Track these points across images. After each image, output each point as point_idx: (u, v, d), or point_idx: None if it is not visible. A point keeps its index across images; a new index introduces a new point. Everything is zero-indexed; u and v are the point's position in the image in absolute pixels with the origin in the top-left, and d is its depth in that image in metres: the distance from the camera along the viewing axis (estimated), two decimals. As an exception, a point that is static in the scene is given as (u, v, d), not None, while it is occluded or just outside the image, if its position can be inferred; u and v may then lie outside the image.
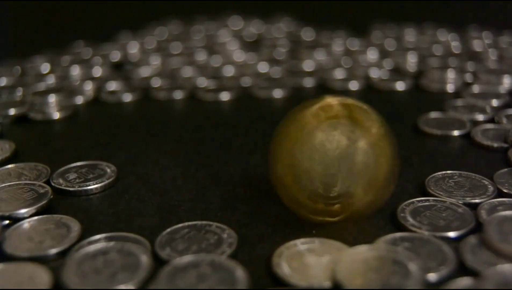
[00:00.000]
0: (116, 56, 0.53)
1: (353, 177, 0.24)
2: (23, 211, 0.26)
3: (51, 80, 0.46)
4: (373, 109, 0.24)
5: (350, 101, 0.24)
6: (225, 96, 0.42)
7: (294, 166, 0.23)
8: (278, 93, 0.43)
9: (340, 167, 0.23)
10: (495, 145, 0.32)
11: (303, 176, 0.23)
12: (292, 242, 0.23)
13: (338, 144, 0.23)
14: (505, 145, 0.32)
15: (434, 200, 0.26)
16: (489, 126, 0.35)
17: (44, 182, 0.29)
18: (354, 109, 0.24)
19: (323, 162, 0.23)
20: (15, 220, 0.25)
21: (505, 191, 0.27)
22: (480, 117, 0.36)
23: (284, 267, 0.22)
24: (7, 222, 0.25)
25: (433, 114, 0.37)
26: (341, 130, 0.23)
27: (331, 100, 0.24)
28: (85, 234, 0.25)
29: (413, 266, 0.21)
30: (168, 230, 0.24)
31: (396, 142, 0.24)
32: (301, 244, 0.23)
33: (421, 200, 0.26)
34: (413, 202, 0.26)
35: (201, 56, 0.52)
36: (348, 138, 0.23)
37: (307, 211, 0.24)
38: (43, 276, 0.21)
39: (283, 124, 0.24)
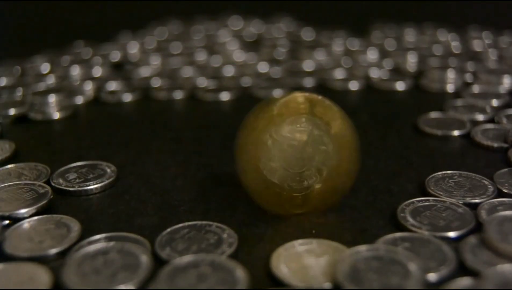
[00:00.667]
0: (116, 56, 0.53)
1: (315, 170, 0.25)
2: (23, 211, 0.26)
3: (51, 80, 0.46)
4: (334, 103, 0.25)
5: (312, 96, 0.25)
6: (225, 96, 0.42)
7: (258, 161, 0.24)
8: (278, 93, 0.43)
9: (303, 161, 0.24)
10: (495, 145, 0.32)
11: (266, 170, 0.24)
12: (290, 244, 0.23)
13: (300, 138, 0.24)
14: (505, 145, 0.32)
15: (434, 200, 0.26)
16: (489, 126, 0.35)
17: (44, 182, 0.29)
18: (317, 104, 0.25)
19: (286, 156, 0.24)
20: (15, 220, 0.25)
21: (505, 191, 0.27)
22: (480, 117, 0.36)
23: (283, 269, 0.22)
24: (7, 222, 0.25)
25: (433, 114, 0.37)
26: (303, 124, 0.24)
27: (294, 96, 0.25)
28: (85, 234, 0.25)
29: (413, 266, 0.21)
30: (168, 230, 0.24)
31: (358, 137, 0.25)
32: (299, 245, 0.23)
33: (421, 200, 0.26)
34: (413, 202, 0.26)
35: (201, 56, 0.52)
36: (310, 132, 0.24)
37: (271, 203, 0.25)
38: (43, 276, 0.21)
39: (247, 120, 0.25)
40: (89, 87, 0.44)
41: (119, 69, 0.50)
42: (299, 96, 0.25)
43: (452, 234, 0.24)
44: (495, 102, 0.39)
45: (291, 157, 0.24)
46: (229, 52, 0.53)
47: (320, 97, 0.25)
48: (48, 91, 0.43)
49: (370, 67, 0.48)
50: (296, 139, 0.24)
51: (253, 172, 0.25)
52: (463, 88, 0.43)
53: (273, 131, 0.24)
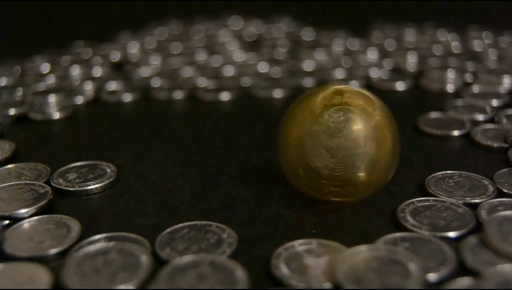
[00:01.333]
0: (116, 56, 0.53)
1: (357, 161, 0.24)
2: (23, 211, 0.26)
3: (51, 80, 0.46)
4: (375, 95, 0.26)
5: (352, 88, 0.26)
6: (225, 96, 0.42)
7: (303, 155, 0.25)
8: (278, 93, 0.43)
9: (345, 152, 0.24)
10: (495, 145, 0.32)
11: (311, 162, 0.25)
12: (290, 244, 0.23)
13: (342, 130, 0.24)
14: (505, 145, 0.32)
15: (434, 200, 0.26)
16: (489, 126, 0.35)
17: (44, 182, 0.29)
18: (357, 96, 0.25)
19: (329, 148, 0.24)
20: (15, 220, 0.25)
21: (505, 191, 0.27)
22: (480, 117, 0.36)
23: (283, 269, 0.22)
24: (7, 222, 0.25)
25: (433, 114, 0.37)
26: (345, 116, 0.24)
27: (335, 88, 0.25)
28: (85, 234, 0.25)
29: (413, 266, 0.21)
30: (168, 230, 0.24)
31: (397, 127, 0.26)
32: (299, 245, 0.23)
33: (421, 200, 0.26)
34: (413, 202, 0.26)
35: (201, 56, 0.52)
36: (352, 123, 0.24)
37: (315, 193, 0.26)
38: (43, 276, 0.21)
39: (289, 114, 0.26)
40: (89, 87, 0.44)
41: (119, 69, 0.50)
42: (337, 88, 0.25)
43: (452, 234, 0.24)
44: (495, 102, 0.39)
45: (332, 150, 0.24)
46: (229, 52, 0.53)
47: (358, 88, 0.26)
48: (48, 91, 0.43)
49: (370, 67, 0.48)
50: (337, 133, 0.24)
51: (298, 168, 0.25)
52: (463, 88, 0.43)
53: (313, 127, 0.25)
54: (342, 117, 0.24)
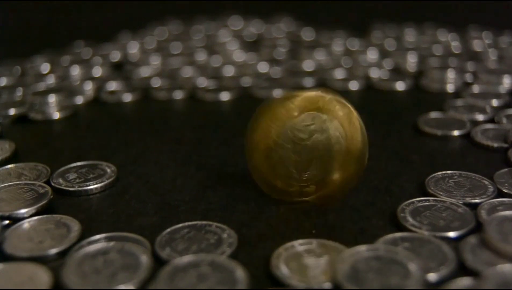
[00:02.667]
0: (116, 56, 0.53)
1: (325, 161, 0.25)
2: (23, 211, 0.26)
3: (51, 80, 0.46)
4: (340, 95, 0.26)
5: (317, 92, 0.26)
6: (225, 96, 0.42)
7: (269, 155, 0.26)
8: (278, 93, 0.43)
9: (312, 153, 0.25)
10: (495, 145, 0.32)
11: (278, 164, 0.26)
12: (290, 244, 0.23)
13: (309, 132, 0.25)
14: (505, 145, 0.32)
15: (434, 200, 0.26)
16: (489, 126, 0.35)
17: (44, 182, 0.29)
18: (322, 100, 0.26)
19: (296, 150, 0.25)
20: (15, 220, 0.25)
21: (505, 191, 0.27)
22: (480, 117, 0.36)
23: (283, 269, 0.22)
24: (7, 222, 0.25)
25: (433, 114, 0.37)
26: (311, 119, 0.25)
27: (300, 93, 0.26)
28: (85, 234, 0.25)
29: (413, 266, 0.21)
30: (168, 230, 0.24)
31: (363, 126, 0.26)
32: (299, 245, 0.23)
33: (421, 200, 0.26)
34: (413, 202, 0.26)
35: (201, 56, 0.52)
36: (318, 125, 0.25)
37: (282, 194, 0.26)
38: (43, 276, 0.21)
39: (256, 116, 0.26)
40: (89, 87, 0.44)
41: (119, 69, 0.50)
42: (302, 93, 0.26)
43: (452, 234, 0.24)
44: (495, 102, 0.39)
45: (299, 152, 0.25)
46: (229, 52, 0.53)
47: (322, 93, 0.26)
48: (48, 91, 0.43)
49: (370, 67, 0.48)
50: (303, 135, 0.25)
51: (265, 168, 0.26)
52: (463, 88, 0.43)
53: (279, 130, 0.25)
54: (307, 121, 0.25)
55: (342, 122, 0.25)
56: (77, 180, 0.29)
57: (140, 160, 0.32)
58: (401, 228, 0.24)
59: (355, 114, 0.26)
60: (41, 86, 0.45)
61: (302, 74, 0.46)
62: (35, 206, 0.26)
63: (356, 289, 0.20)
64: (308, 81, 0.45)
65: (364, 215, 0.26)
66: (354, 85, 0.44)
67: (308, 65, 0.49)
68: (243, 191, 0.28)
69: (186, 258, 0.22)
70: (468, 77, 0.45)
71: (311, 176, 0.26)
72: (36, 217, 0.25)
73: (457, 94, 0.42)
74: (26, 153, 0.33)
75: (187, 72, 0.48)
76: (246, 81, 0.45)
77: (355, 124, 0.26)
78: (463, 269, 0.22)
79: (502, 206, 0.25)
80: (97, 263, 0.22)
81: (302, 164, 0.25)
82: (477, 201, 0.26)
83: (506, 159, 0.31)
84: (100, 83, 0.45)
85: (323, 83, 0.45)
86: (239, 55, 0.52)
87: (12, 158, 0.32)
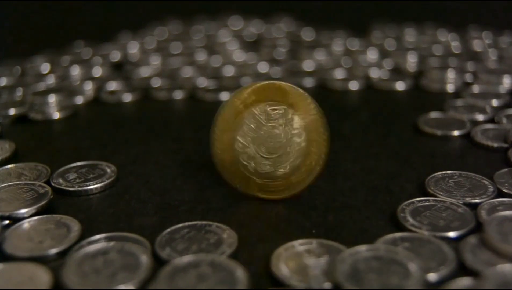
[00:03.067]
0: (116, 56, 0.53)
1: (286, 157, 0.26)
2: (23, 211, 0.26)
3: (51, 80, 0.46)
4: (309, 94, 0.26)
5: (284, 85, 0.26)
6: (225, 96, 0.42)
7: (230, 149, 0.26)
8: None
9: (274, 148, 0.26)
10: (495, 145, 0.32)
11: (239, 157, 0.26)
12: (290, 244, 0.23)
13: (271, 126, 0.26)
14: (505, 145, 0.32)
15: (434, 200, 0.26)
16: (489, 126, 0.35)
17: (44, 182, 0.29)
18: (289, 93, 0.26)
19: (257, 144, 0.26)
20: (15, 220, 0.25)
21: (505, 191, 0.27)
22: (480, 117, 0.36)
23: (283, 269, 0.22)
24: (7, 222, 0.25)
25: (433, 114, 0.37)
26: (274, 113, 0.25)
27: (263, 84, 0.26)
28: (85, 234, 0.25)
29: (413, 266, 0.21)
30: (168, 230, 0.24)
31: (326, 121, 0.26)
32: (299, 245, 0.23)
33: (421, 200, 0.26)
34: (413, 202, 0.26)
35: (201, 56, 0.52)
36: (281, 120, 0.26)
37: (245, 188, 0.27)
38: (43, 276, 0.21)
39: (218, 112, 0.26)
40: (89, 87, 0.44)
41: (119, 69, 0.50)
42: (265, 85, 0.26)
43: (452, 234, 0.24)
44: (495, 102, 0.39)
45: (259, 146, 0.26)
46: (229, 52, 0.53)
47: (291, 85, 0.26)
48: (48, 91, 0.43)
49: (370, 67, 0.48)
50: (264, 129, 0.26)
51: (227, 161, 0.26)
52: (463, 88, 0.43)
53: (239, 124, 0.26)
54: (268, 115, 0.26)
55: (307, 123, 0.26)
56: (77, 180, 0.29)
57: (140, 160, 0.32)
58: (401, 228, 0.24)
59: (322, 120, 0.26)
60: (41, 86, 0.45)
61: (302, 74, 0.46)
62: (35, 206, 0.26)
63: (356, 289, 0.20)
64: (308, 81, 0.45)
65: (364, 215, 0.26)
66: (354, 85, 0.44)
67: (308, 65, 0.49)
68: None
69: (186, 258, 0.22)
70: (468, 77, 0.45)
71: (272, 173, 0.26)
72: (36, 217, 0.25)
73: (457, 94, 0.42)
74: (26, 153, 0.33)
75: (187, 72, 0.47)
76: (246, 81, 0.45)
77: (319, 131, 0.26)
78: (463, 269, 0.22)
79: (502, 206, 0.25)
80: (97, 263, 0.22)
81: (262, 159, 0.26)
82: (477, 201, 0.26)
83: (506, 159, 0.31)
84: (100, 83, 0.45)
85: (323, 83, 0.45)
86: (239, 55, 0.52)
87: (12, 158, 0.32)
